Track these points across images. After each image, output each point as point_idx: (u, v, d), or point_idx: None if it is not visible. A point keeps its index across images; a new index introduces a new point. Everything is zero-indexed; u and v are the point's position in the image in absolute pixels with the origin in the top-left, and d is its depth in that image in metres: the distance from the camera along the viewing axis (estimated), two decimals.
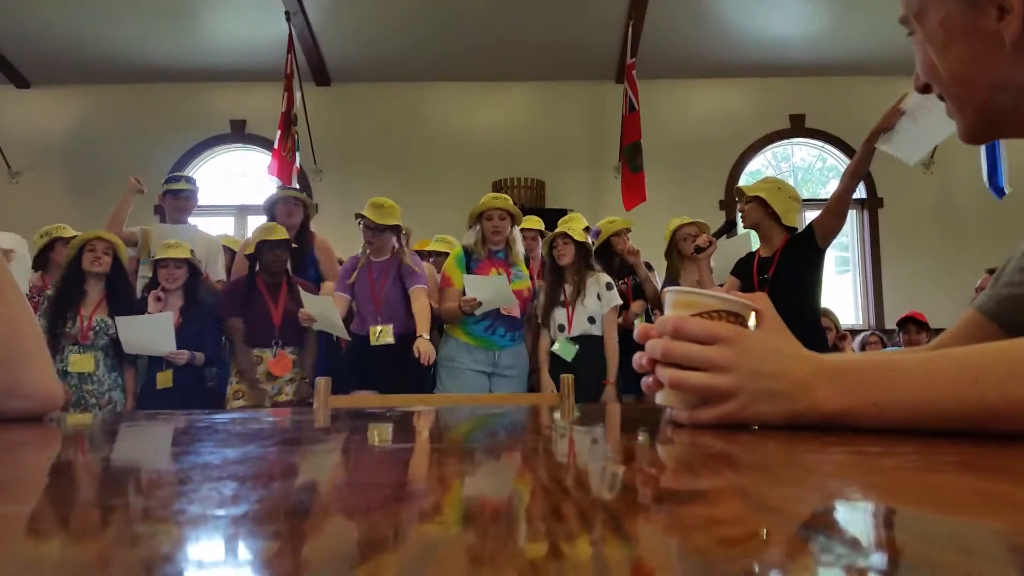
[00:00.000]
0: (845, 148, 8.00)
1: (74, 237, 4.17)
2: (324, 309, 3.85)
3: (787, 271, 3.62)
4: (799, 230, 3.75)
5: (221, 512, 0.35)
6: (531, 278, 4.24)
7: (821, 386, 0.69)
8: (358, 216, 4.01)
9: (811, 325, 3.61)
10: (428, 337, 3.83)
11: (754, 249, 3.99)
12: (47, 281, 4.22)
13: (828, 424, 0.69)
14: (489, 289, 3.88)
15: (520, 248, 4.21)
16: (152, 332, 3.86)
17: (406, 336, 3.89)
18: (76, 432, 0.91)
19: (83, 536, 0.33)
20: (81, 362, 3.83)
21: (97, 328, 3.89)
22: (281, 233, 4.03)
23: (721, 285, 4.01)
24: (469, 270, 4.01)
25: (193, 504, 0.37)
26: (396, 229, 4.03)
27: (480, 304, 3.84)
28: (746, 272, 3.85)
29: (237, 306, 3.98)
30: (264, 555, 0.29)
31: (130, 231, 4.61)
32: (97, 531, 0.34)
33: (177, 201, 4.66)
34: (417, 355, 3.73)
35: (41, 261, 4.35)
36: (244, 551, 0.29)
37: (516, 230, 4.16)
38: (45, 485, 0.50)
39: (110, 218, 4.54)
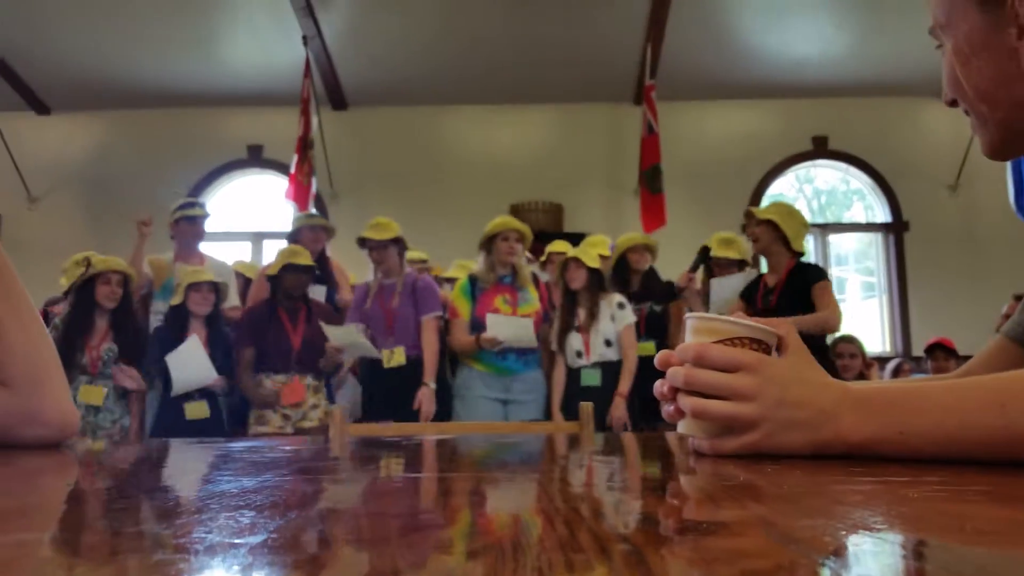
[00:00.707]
0: (869, 170, 7.96)
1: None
2: (347, 337, 3.86)
3: (791, 299, 3.62)
4: (804, 255, 3.81)
5: (239, 540, 0.35)
6: (541, 300, 4.23)
7: (846, 415, 0.68)
8: (360, 240, 4.06)
9: (817, 353, 3.61)
10: (433, 385, 3.87)
11: (761, 273, 4.02)
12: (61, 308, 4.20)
13: (854, 453, 0.67)
14: (512, 328, 3.89)
15: (527, 271, 4.20)
16: (190, 361, 3.86)
17: (420, 360, 3.92)
18: (93, 460, 0.92)
19: (102, 563, 0.33)
20: (91, 393, 3.83)
21: (105, 359, 3.90)
22: (306, 258, 4.04)
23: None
24: (474, 298, 4.02)
25: (211, 532, 0.37)
26: (397, 242, 4.06)
27: (501, 343, 3.86)
28: (752, 298, 3.85)
29: (251, 335, 3.98)
30: None
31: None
32: (116, 559, 0.34)
33: (193, 227, 4.67)
34: (417, 407, 3.75)
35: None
36: None
37: (523, 252, 4.18)
38: (63, 512, 0.50)
39: (129, 262, 4.51)
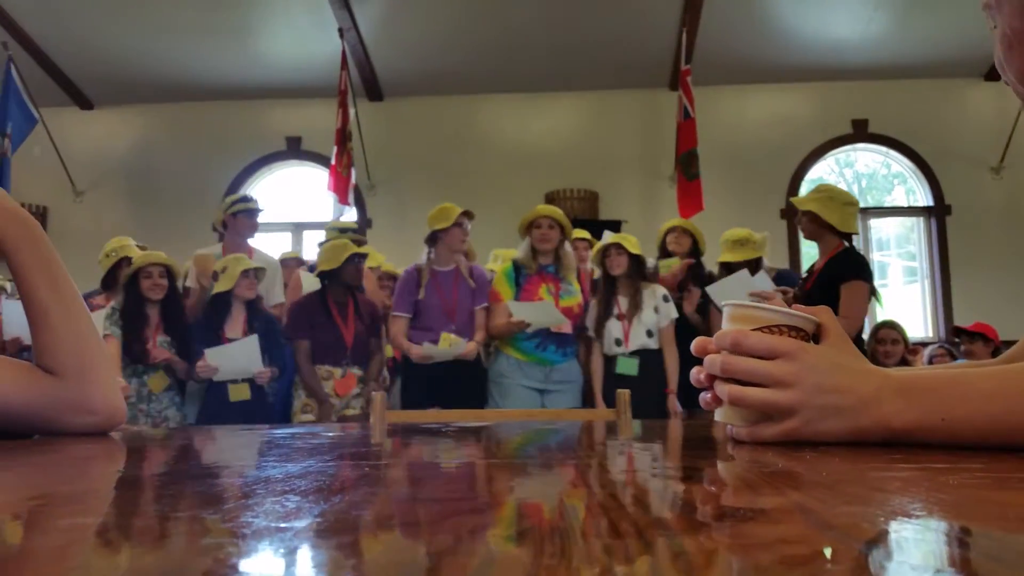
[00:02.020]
0: (910, 153, 7.81)
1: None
2: (538, 311, 3.92)
3: (825, 288, 3.50)
4: (856, 234, 3.67)
5: (285, 525, 0.36)
6: (583, 292, 4.22)
7: (887, 401, 0.67)
8: (462, 215, 4.06)
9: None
10: (476, 346, 3.96)
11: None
12: (109, 300, 4.27)
13: (895, 440, 0.67)
14: (535, 312, 3.89)
15: (571, 262, 4.18)
16: (241, 356, 3.94)
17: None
18: (141, 446, 0.94)
19: (153, 547, 0.34)
20: (155, 382, 3.92)
21: (160, 348, 3.97)
22: (352, 247, 4.08)
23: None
24: (519, 285, 4.01)
25: (258, 517, 0.38)
26: (460, 224, 4.13)
27: (528, 324, 3.86)
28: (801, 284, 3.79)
29: (306, 326, 4.03)
30: (328, 567, 0.29)
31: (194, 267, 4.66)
32: (167, 543, 0.35)
33: (251, 220, 4.72)
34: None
35: (109, 280, 4.42)
36: (308, 563, 0.30)
37: (567, 244, 4.15)
38: (114, 498, 0.52)
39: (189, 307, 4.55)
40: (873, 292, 3.61)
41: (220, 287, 4.07)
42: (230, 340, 4.02)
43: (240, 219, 4.70)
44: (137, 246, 4.56)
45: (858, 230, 3.70)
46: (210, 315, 4.12)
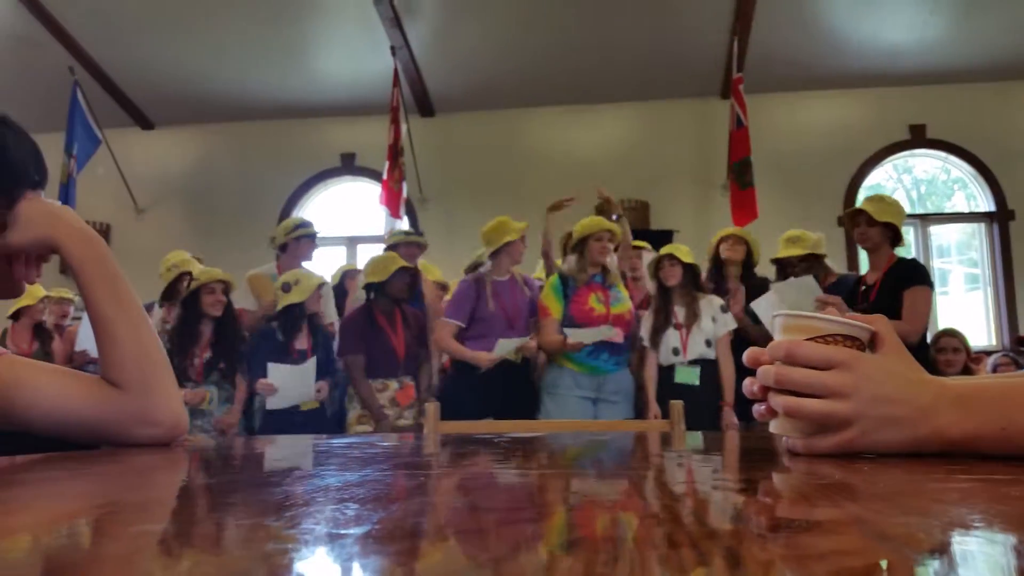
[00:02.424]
0: (970, 158, 7.60)
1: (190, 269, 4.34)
2: (291, 377, 3.97)
3: (889, 298, 3.44)
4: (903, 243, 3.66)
5: (345, 532, 0.37)
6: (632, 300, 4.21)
7: (945, 411, 0.66)
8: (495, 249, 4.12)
9: (914, 352, 3.43)
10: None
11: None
12: (169, 313, 4.34)
13: (953, 451, 0.66)
14: (592, 337, 3.90)
15: (616, 270, 4.19)
16: (299, 378, 4.01)
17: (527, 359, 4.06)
18: (203, 457, 0.96)
19: (218, 553, 0.36)
20: (197, 397, 3.99)
21: (207, 365, 4.05)
22: (400, 261, 4.13)
23: None
24: (567, 297, 4.01)
25: (319, 524, 0.39)
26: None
27: (585, 345, 3.87)
28: (852, 298, 3.72)
29: (357, 341, 4.06)
30: (388, 572, 0.30)
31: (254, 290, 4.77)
32: (229, 548, 0.36)
33: (312, 244, 4.81)
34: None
35: (169, 293, 4.48)
36: (367, 569, 0.31)
37: (612, 252, 4.17)
38: (179, 506, 0.53)
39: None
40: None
41: (293, 299, 4.11)
42: (299, 352, 4.09)
43: (303, 243, 4.77)
44: (194, 258, 4.65)
45: (907, 242, 3.68)
46: (284, 327, 4.16)
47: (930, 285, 3.48)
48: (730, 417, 3.90)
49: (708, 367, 3.95)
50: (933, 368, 3.56)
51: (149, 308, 4.55)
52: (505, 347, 3.92)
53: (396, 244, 4.70)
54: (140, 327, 1.02)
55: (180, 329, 4.04)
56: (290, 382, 4.01)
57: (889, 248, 3.61)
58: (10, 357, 0.98)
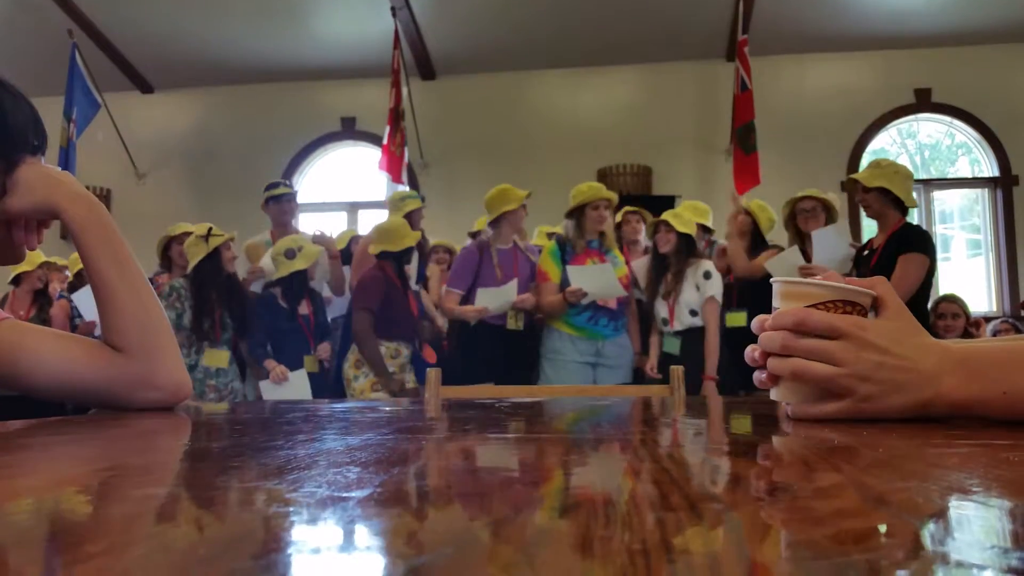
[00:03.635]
0: (975, 123, 7.54)
1: (188, 232, 4.32)
2: (503, 297, 3.98)
3: (889, 263, 3.43)
4: (914, 207, 3.62)
5: (347, 494, 0.37)
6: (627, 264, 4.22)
7: (948, 375, 0.66)
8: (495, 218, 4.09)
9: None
10: (531, 297, 4.02)
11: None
12: (168, 277, 4.38)
13: (956, 415, 0.66)
14: (594, 278, 3.87)
15: (612, 233, 4.18)
16: (290, 389, 4.04)
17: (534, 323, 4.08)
18: (205, 420, 0.97)
19: (220, 515, 0.36)
20: (217, 357, 4.01)
21: (225, 323, 4.07)
22: (412, 237, 4.12)
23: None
24: (565, 262, 4.01)
25: (321, 487, 0.39)
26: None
27: (586, 294, 3.84)
28: (857, 262, 3.71)
29: (374, 298, 3.98)
30: (388, 535, 0.30)
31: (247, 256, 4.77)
32: (233, 511, 0.37)
33: (279, 206, 4.78)
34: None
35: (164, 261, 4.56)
36: (370, 531, 0.31)
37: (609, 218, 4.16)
38: (183, 469, 0.54)
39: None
40: (932, 267, 3.53)
41: (298, 265, 4.12)
42: (303, 317, 4.14)
43: (271, 206, 4.79)
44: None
45: (915, 204, 3.64)
46: (289, 293, 4.16)
47: (928, 253, 3.45)
48: (709, 390, 3.87)
49: (690, 337, 3.95)
50: (932, 333, 3.54)
51: (160, 275, 4.57)
52: (488, 299, 3.93)
53: (411, 212, 4.60)
54: (141, 291, 1.02)
55: (200, 289, 4.02)
56: (290, 384, 4.04)
57: (896, 213, 3.58)
58: (12, 321, 0.98)
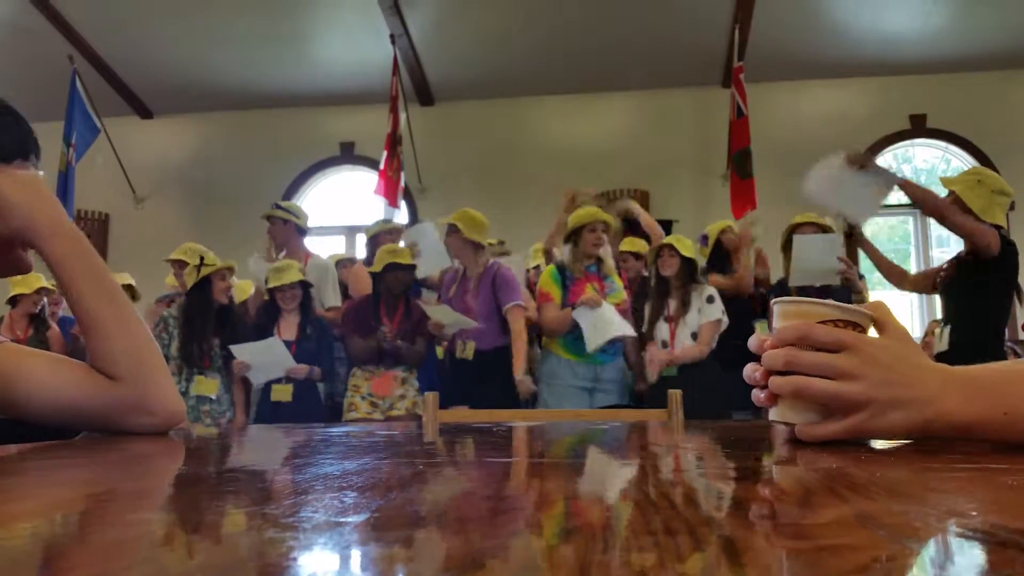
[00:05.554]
0: (971, 149, 7.58)
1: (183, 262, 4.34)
2: (444, 313, 3.97)
3: (957, 282, 3.31)
4: (1001, 228, 3.33)
5: (343, 519, 0.37)
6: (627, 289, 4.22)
7: (950, 395, 0.66)
8: (450, 226, 4.09)
9: (982, 349, 3.08)
10: (524, 372, 3.93)
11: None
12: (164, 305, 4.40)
13: (956, 436, 0.66)
14: (600, 322, 3.89)
15: (611, 260, 4.18)
16: (268, 355, 4.02)
17: (500, 351, 3.99)
18: (200, 445, 0.96)
19: (215, 541, 0.36)
20: (207, 385, 4.00)
21: (214, 352, 4.06)
22: (406, 257, 4.12)
23: (803, 289, 3.91)
24: (565, 287, 4.01)
25: (318, 512, 0.39)
26: (477, 245, 4.11)
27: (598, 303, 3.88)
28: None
29: (353, 328, 4.08)
30: (384, 561, 0.30)
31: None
32: (228, 536, 0.37)
33: (275, 229, 4.75)
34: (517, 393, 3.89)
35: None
36: (366, 557, 0.31)
37: (607, 243, 4.16)
38: (177, 493, 0.53)
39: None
40: (1018, 290, 3.37)
41: (272, 283, 4.17)
42: (284, 342, 4.11)
43: (269, 229, 4.76)
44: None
45: (1005, 223, 3.37)
46: (262, 317, 4.23)
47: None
48: (654, 354, 3.92)
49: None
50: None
51: (167, 300, 4.57)
52: (431, 308, 4.00)
53: (376, 234, 4.69)
54: (129, 320, 1.01)
55: (191, 316, 4.04)
56: (259, 358, 4.02)
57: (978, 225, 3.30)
58: (8, 345, 0.98)
